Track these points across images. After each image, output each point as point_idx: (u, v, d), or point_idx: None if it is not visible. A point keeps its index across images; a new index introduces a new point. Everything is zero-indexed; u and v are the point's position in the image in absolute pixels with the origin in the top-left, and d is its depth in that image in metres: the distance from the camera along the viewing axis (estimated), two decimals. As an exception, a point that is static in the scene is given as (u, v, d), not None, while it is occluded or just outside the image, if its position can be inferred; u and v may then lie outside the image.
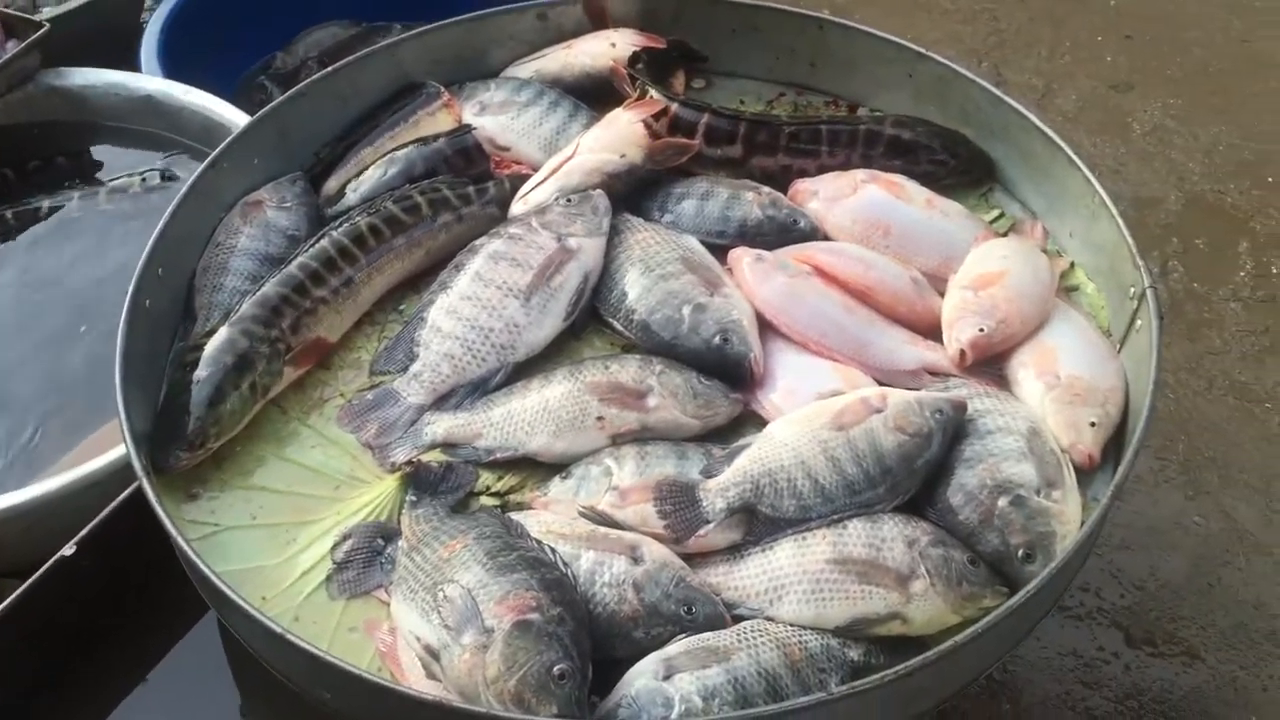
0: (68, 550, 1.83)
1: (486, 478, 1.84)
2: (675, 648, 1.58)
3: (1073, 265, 2.13)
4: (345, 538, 1.75)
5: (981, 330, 1.90)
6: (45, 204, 2.70)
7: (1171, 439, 2.62)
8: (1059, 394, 1.85)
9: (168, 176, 2.73)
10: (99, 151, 2.86)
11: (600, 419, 1.82)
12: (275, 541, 1.78)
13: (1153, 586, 2.37)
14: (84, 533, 1.85)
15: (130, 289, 1.89)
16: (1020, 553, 1.66)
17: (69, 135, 2.85)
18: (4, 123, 2.80)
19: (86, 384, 2.33)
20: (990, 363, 1.93)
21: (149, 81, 2.82)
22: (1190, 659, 2.26)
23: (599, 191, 2.10)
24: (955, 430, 1.77)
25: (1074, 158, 2.07)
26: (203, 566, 1.58)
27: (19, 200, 2.69)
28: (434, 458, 1.86)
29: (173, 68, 2.90)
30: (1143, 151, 3.35)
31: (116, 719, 2.03)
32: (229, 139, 2.15)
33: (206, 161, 2.11)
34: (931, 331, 1.98)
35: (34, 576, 1.81)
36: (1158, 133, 3.41)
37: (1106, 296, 2.05)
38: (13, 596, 1.78)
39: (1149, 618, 2.32)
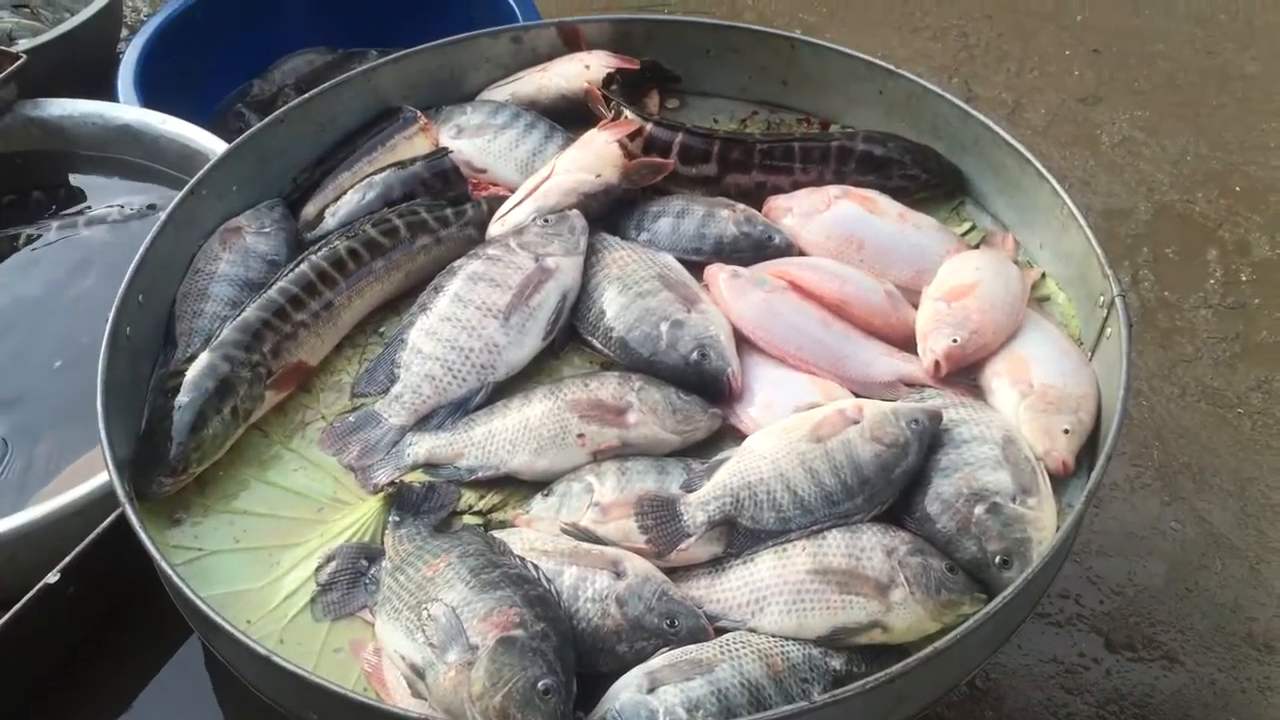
0: (52, 578, 1.84)
1: (469, 497, 1.86)
2: (658, 661, 1.59)
3: (1044, 276, 2.16)
4: (329, 559, 1.76)
5: (955, 341, 1.93)
6: (24, 232, 2.70)
7: (1147, 446, 2.66)
8: (1033, 402, 1.87)
9: (149, 206, 2.74)
10: (77, 181, 2.87)
11: (581, 436, 1.84)
12: (259, 565, 1.79)
13: (1131, 592, 2.39)
14: (68, 559, 1.86)
15: (111, 316, 1.90)
16: (997, 559, 1.68)
17: (46, 166, 2.86)
18: (-21, 154, 2.81)
19: (66, 411, 2.34)
20: (965, 373, 1.96)
21: (126, 111, 2.83)
22: (1170, 663, 2.28)
23: (576, 211, 2.12)
24: (931, 440, 1.79)
25: (1043, 171, 2.10)
26: (187, 591, 1.59)
27: (19, 217, 2.69)
28: (416, 478, 1.87)
29: (149, 97, 2.91)
30: (1112, 163, 3.40)
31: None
32: (207, 166, 2.16)
33: (185, 189, 2.12)
34: (906, 343, 2.01)
35: (18, 604, 1.81)
36: (1126, 144, 3.47)
37: (1077, 306, 2.08)
38: (-3, 625, 1.78)
39: (1128, 623, 2.34)
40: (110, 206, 2.73)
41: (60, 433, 2.31)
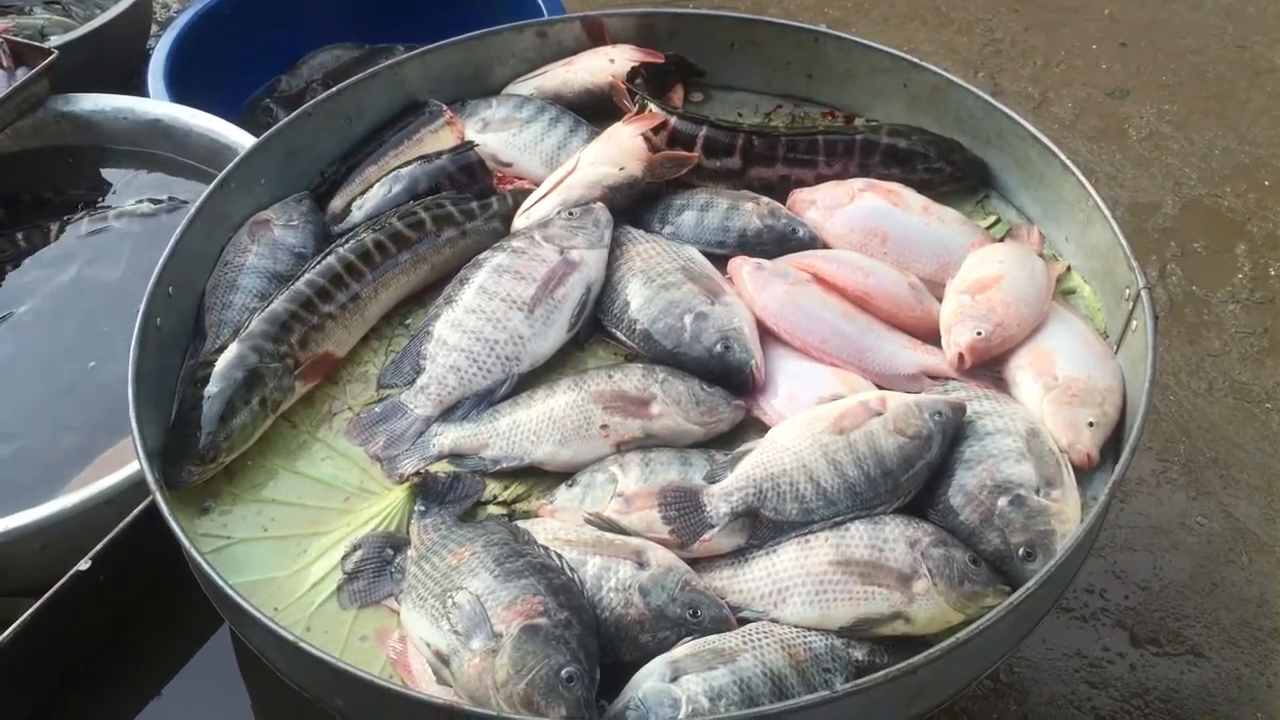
0: (83, 565, 1.87)
1: (493, 487, 1.87)
2: (681, 650, 1.60)
3: (1069, 269, 2.15)
4: (355, 548, 1.78)
5: (979, 334, 1.92)
6: (55, 225, 2.74)
7: (1173, 440, 2.64)
8: (1057, 395, 1.87)
9: (171, 199, 2.77)
10: (107, 175, 2.90)
11: (605, 427, 1.85)
12: (287, 553, 1.81)
13: (1157, 586, 2.38)
14: (99, 547, 1.88)
15: (141, 308, 1.93)
16: (1021, 551, 1.68)
17: (78, 160, 2.89)
18: (14, 149, 2.84)
19: (97, 402, 2.37)
20: (988, 366, 1.96)
21: (156, 106, 2.86)
22: (1195, 658, 2.27)
23: (600, 205, 2.13)
24: (954, 432, 1.79)
25: (1068, 163, 2.10)
26: (217, 579, 1.61)
27: (28, 223, 2.72)
28: (441, 468, 1.88)
29: (179, 92, 2.94)
30: (1139, 157, 3.38)
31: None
32: (236, 160, 2.19)
33: (215, 182, 2.15)
34: (930, 336, 2.01)
35: (50, 591, 1.84)
36: (1154, 138, 3.44)
37: (1102, 299, 2.08)
38: (30, 610, 1.81)
39: (1153, 618, 2.33)
40: (140, 201, 2.76)
41: (92, 424, 2.34)
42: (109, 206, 2.78)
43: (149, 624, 2.09)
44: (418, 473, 1.86)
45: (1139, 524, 2.47)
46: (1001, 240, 2.19)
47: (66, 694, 2.04)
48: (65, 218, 2.73)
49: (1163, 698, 2.21)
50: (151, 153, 2.87)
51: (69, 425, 2.36)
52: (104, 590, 1.92)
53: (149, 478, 1.74)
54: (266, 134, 2.25)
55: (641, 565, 1.67)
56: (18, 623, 1.81)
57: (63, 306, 2.59)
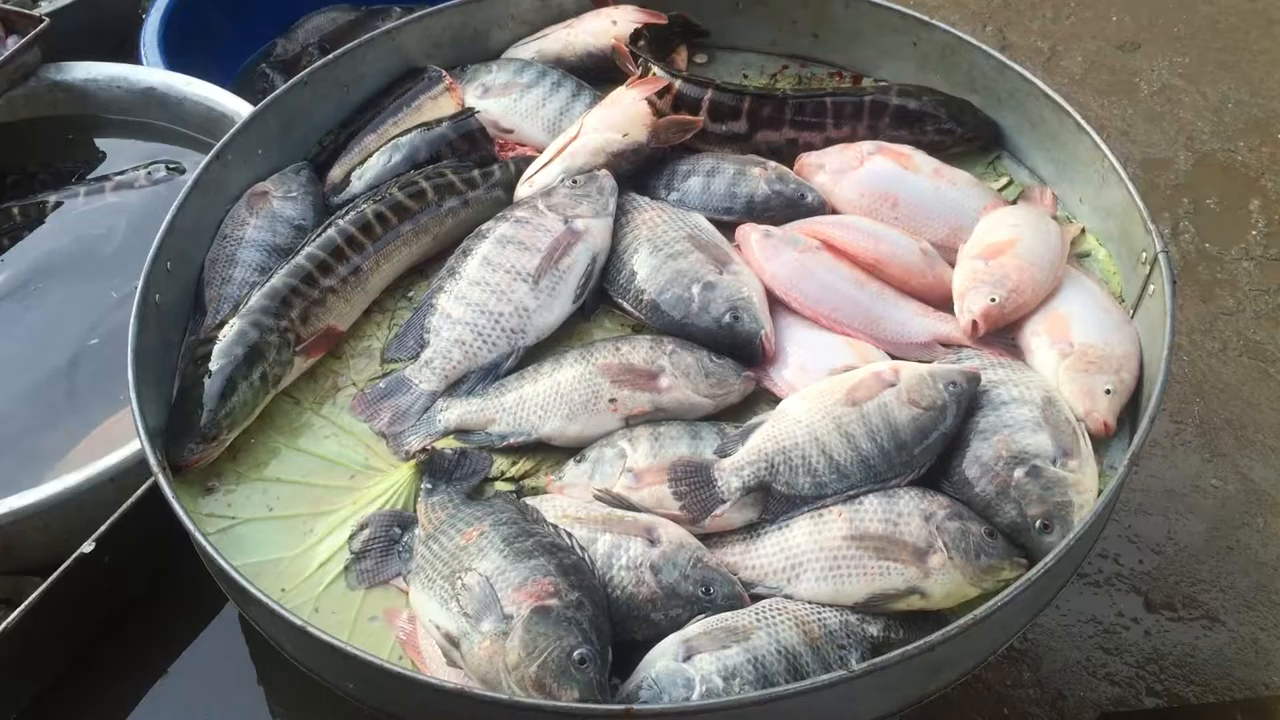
0: (87, 547, 1.85)
1: (501, 463, 1.84)
2: (694, 628, 1.58)
3: (1083, 231, 2.11)
4: (362, 527, 1.76)
5: (993, 300, 1.89)
6: (52, 199, 2.70)
7: (1187, 401, 2.61)
8: (1073, 362, 1.84)
9: (173, 168, 2.72)
10: (103, 144, 2.85)
11: (613, 401, 1.82)
12: (293, 533, 1.79)
13: (1171, 550, 2.36)
14: (103, 529, 1.87)
15: (139, 285, 1.90)
16: (1038, 523, 1.65)
17: (72, 130, 2.84)
18: (5, 119, 2.79)
19: (102, 377, 2.34)
20: (1003, 332, 1.92)
21: (150, 74, 2.80)
22: (1211, 622, 2.26)
23: (604, 172, 2.09)
24: (969, 402, 1.76)
25: (1082, 122, 2.05)
26: (222, 562, 1.59)
27: (25, 195, 2.68)
28: (448, 444, 1.86)
29: (174, 59, 2.89)
30: (1151, 112, 3.32)
31: (142, 709, 2.05)
32: (232, 131, 2.14)
33: (211, 154, 2.11)
34: (943, 303, 1.98)
35: (55, 574, 1.83)
36: (1166, 92, 3.38)
37: (1118, 262, 2.04)
38: (34, 594, 1.80)
39: (1168, 582, 2.31)
40: (136, 170, 2.71)
41: (97, 399, 2.32)
42: (105, 177, 2.73)
43: (157, 602, 2.07)
44: (424, 449, 1.84)
45: (1153, 487, 2.45)
46: (1014, 202, 2.15)
47: (76, 673, 2.03)
48: (61, 190, 2.69)
49: (1178, 663, 2.20)
50: (147, 122, 2.83)
51: (71, 401, 2.33)
52: (109, 571, 1.90)
53: (151, 459, 1.72)
54: (262, 104, 2.20)
55: (653, 542, 1.65)
56: (24, 605, 1.80)
57: (62, 281, 2.56)
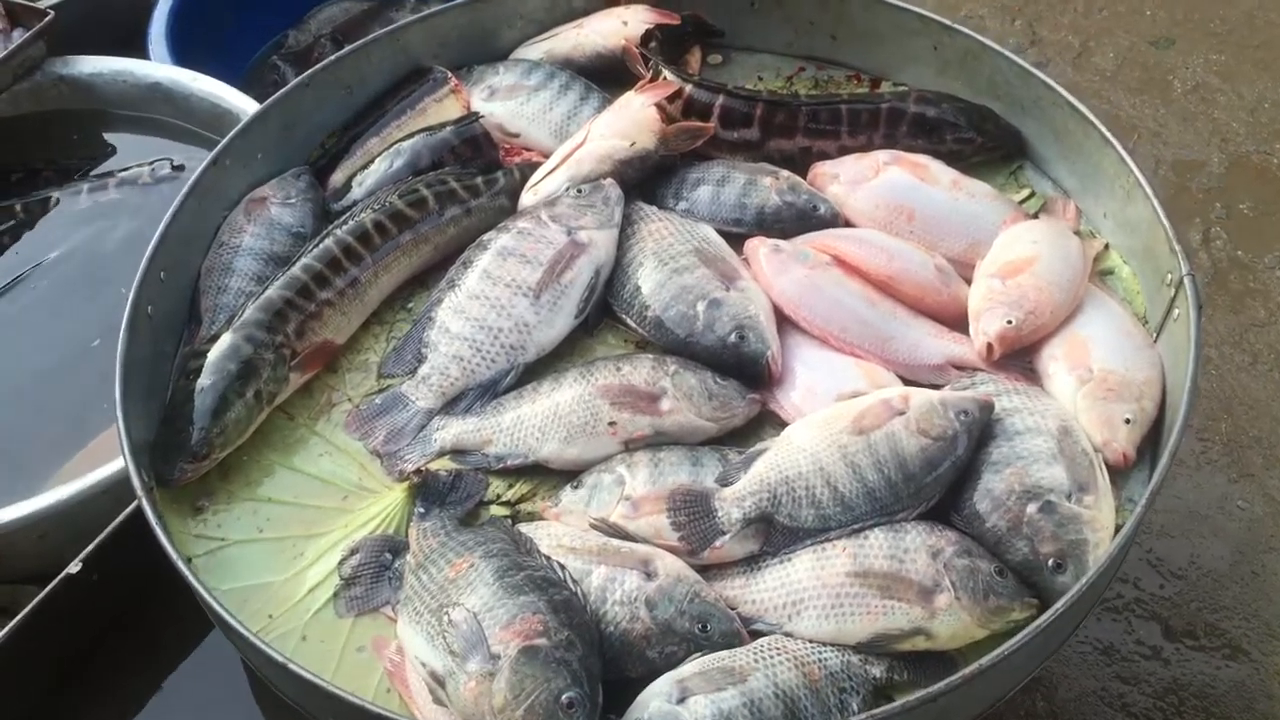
0: (74, 568, 1.81)
1: (497, 485, 1.79)
2: (690, 668, 1.52)
3: (1107, 247, 2.03)
4: (353, 552, 1.71)
5: (1010, 322, 1.81)
6: (55, 195, 2.66)
7: (1214, 418, 2.52)
8: (1092, 389, 1.77)
9: (177, 167, 2.68)
10: (109, 139, 2.81)
11: (612, 424, 1.77)
12: (283, 556, 1.74)
13: (1194, 575, 2.28)
14: (89, 549, 1.83)
15: (130, 297, 1.86)
16: (1050, 562, 1.59)
17: (78, 124, 2.80)
18: (10, 114, 2.76)
19: (99, 380, 2.30)
20: (1019, 355, 1.85)
21: (156, 69, 2.76)
22: (1233, 652, 2.18)
23: (610, 180, 2.03)
24: (981, 431, 1.69)
25: (1107, 135, 1.97)
26: (205, 593, 1.55)
27: (29, 192, 2.65)
28: (443, 465, 1.81)
29: (182, 52, 2.84)
30: (1184, 111, 3.21)
31: (136, 723, 2.03)
32: (230, 135, 2.09)
33: (208, 159, 2.06)
34: (957, 321, 1.91)
35: (39, 596, 1.80)
36: (1200, 91, 3.27)
37: (1142, 281, 1.96)
38: (18, 618, 1.77)
39: (1189, 609, 2.24)
40: (140, 166, 2.67)
41: (94, 402, 2.28)
42: (109, 174, 2.69)
43: (148, 619, 2.03)
44: (419, 470, 1.79)
45: (1176, 508, 2.37)
46: (1035, 215, 2.07)
47: (64, 691, 2.00)
48: (64, 187, 2.65)
49: (1198, 694, 2.13)
50: (153, 117, 2.78)
51: (70, 406, 2.30)
52: (97, 589, 1.86)
53: (136, 480, 1.68)
54: (262, 106, 2.15)
55: (649, 575, 1.60)
56: (9, 628, 1.76)
57: (63, 280, 2.52)
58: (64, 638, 1.92)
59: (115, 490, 2.00)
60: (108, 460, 2.04)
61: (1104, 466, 1.69)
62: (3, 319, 2.47)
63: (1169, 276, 1.82)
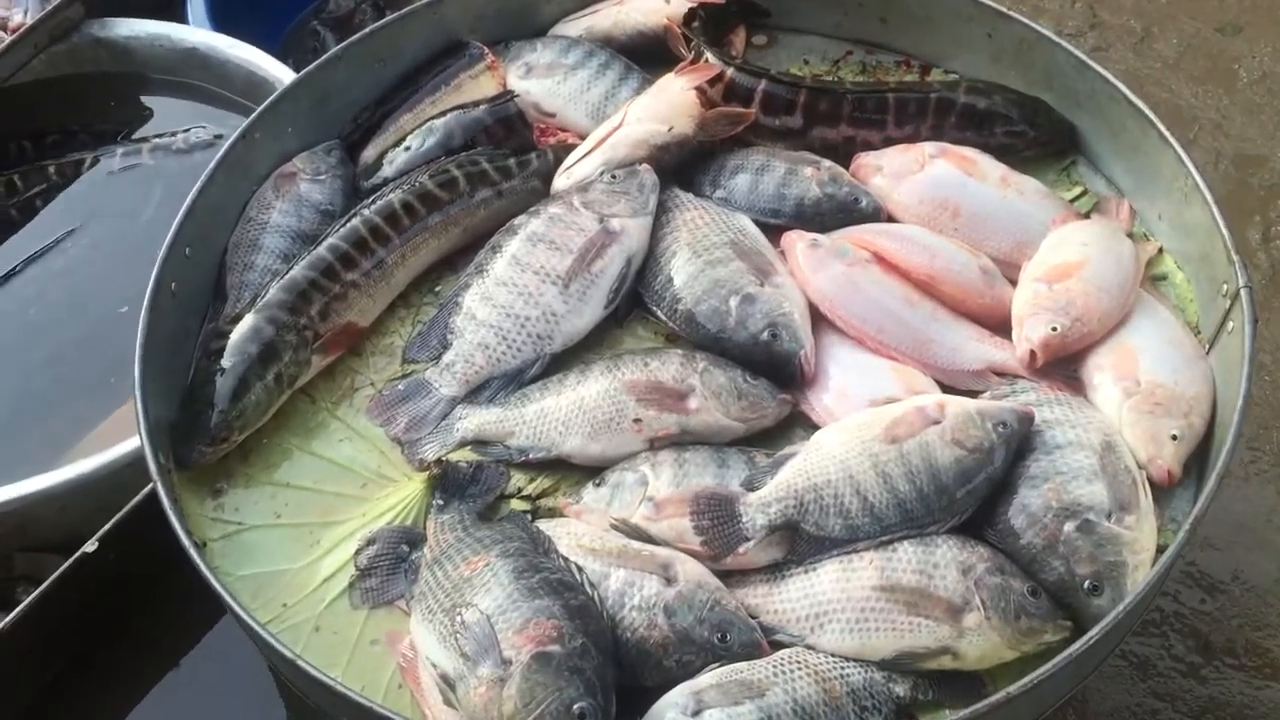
0: (90, 547, 1.80)
1: (518, 479, 1.76)
2: (706, 679, 1.48)
3: (1161, 251, 1.95)
4: (369, 542, 1.69)
5: (1054, 329, 1.75)
6: (89, 157, 2.64)
7: (1266, 427, 2.44)
8: (1138, 402, 1.70)
9: (217, 135, 2.65)
10: (147, 103, 2.78)
11: (637, 421, 1.72)
12: (299, 543, 1.72)
13: (1237, 590, 2.21)
14: (106, 528, 1.82)
15: (153, 274, 1.83)
16: (1086, 584, 1.53)
17: (115, 88, 2.78)
18: (48, 75, 2.74)
19: (119, 344, 2.29)
20: (1063, 363, 1.78)
21: (193, 33, 2.73)
22: (1275, 672, 2.11)
23: (645, 166, 1.97)
24: (1020, 444, 1.63)
25: (1166, 135, 1.88)
26: (216, 583, 1.53)
27: (61, 154, 2.63)
28: (464, 455, 1.77)
29: (222, 14, 2.81)
30: (1249, 103, 3.09)
31: (150, 701, 2.02)
32: (260, 109, 2.05)
33: (237, 133, 2.02)
34: (1000, 325, 1.84)
35: (54, 575, 1.79)
36: (1266, 81, 3.14)
37: (1196, 288, 1.88)
38: (32, 596, 1.77)
39: (1231, 625, 2.17)
40: (174, 134, 2.64)
41: (121, 370, 2.27)
42: (143, 139, 2.66)
43: (167, 593, 2.02)
44: (439, 461, 1.75)
45: (1222, 519, 2.29)
46: (1087, 215, 1.99)
47: (86, 662, 2.00)
48: (97, 151, 2.62)
49: (1236, 715, 2.07)
50: (190, 83, 2.76)
51: (96, 373, 2.29)
52: (114, 568, 1.85)
53: (151, 464, 1.66)
54: (292, 80, 2.11)
55: (669, 581, 1.55)
56: (24, 605, 1.76)
57: (93, 245, 2.51)
58: (79, 617, 1.91)
59: (139, 463, 1.98)
60: (133, 430, 2.02)
61: (1147, 485, 1.62)
62: (34, 282, 2.46)
63: (1225, 287, 1.75)
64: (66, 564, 1.79)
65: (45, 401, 2.28)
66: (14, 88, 2.66)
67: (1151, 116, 1.91)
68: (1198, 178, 1.83)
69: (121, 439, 2.04)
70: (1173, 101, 3.06)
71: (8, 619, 1.76)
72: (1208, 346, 1.79)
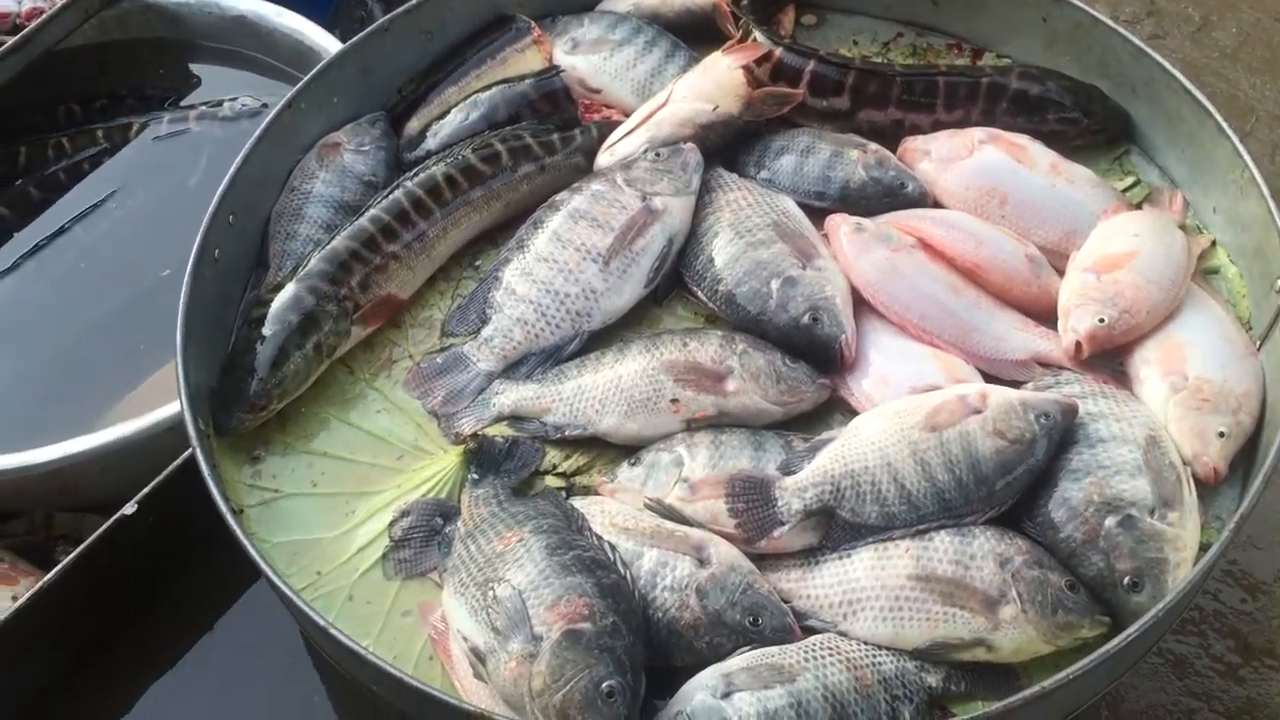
0: (129, 509, 1.81)
1: (554, 455, 1.75)
2: (737, 661, 1.48)
3: (1214, 244, 1.92)
4: (404, 514, 1.69)
5: (1102, 321, 1.72)
6: (137, 123, 2.65)
7: (1313, 424, 2.39)
8: (1185, 397, 1.67)
9: (263, 104, 2.65)
10: (196, 71, 2.79)
11: (675, 402, 1.71)
12: (334, 512, 1.73)
13: (1279, 591, 2.17)
14: (145, 491, 1.83)
15: (197, 242, 1.84)
16: (1126, 580, 1.51)
17: (165, 54, 2.79)
18: (98, 40, 2.75)
19: (163, 308, 2.30)
20: (1110, 356, 1.75)
21: (241, 1, 2.72)
22: (1315, 675, 2.08)
23: (690, 145, 1.96)
24: (1062, 436, 1.61)
25: (1224, 126, 1.84)
26: (252, 549, 1.54)
27: (109, 119, 2.64)
28: (500, 430, 1.77)
29: (275, -20, 2.80)
30: (1309, 95, 3.03)
31: (187, 663, 2.04)
32: (306, 79, 2.05)
33: (282, 102, 2.03)
34: (1046, 315, 1.81)
35: (93, 535, 1.80)
36: (1327, 73, 3.08)
37: (1249, 283, 1.84)
38: (72, 554, 1.77)
39: (1271, 626, 2.13)
40: (221, 102, 2.65)
41: (163, 334, 2.28)
42: (191, 106, 2.67)
43: (201, 561, 2.04)
44: (475, 435, 1.75)
45: (1267, 518, 2.25)
46: (1139, 206, 1.96)
47: (126, 622, 2.02)
48: (145, 116, 2.63)
49: (1274, 717, 2.03)
50: (238, 50, 2.76)
51: (140, 335, 2.30)
52: (153, 531, 1.87)
53: (191, 429, 1.66)
54: (338, 51, 2.11)
55: (702, 562, 1.55)
56: (63, 563, 1.77)
57: (139, 209, 2.51)
58: (118, 579, 1.93)
59: (179, 428, 1.98)
60: (169, 396, 2.04)
61: (1192, 482, 1.60)
62: (79, 246, 2.48)
63: (1278, 282, 1.71)
64: (106, 524, 1.81)
65: (87, 362, 2.30)
66: (64, 51, 2.67)
67: (1209, 107, 1.87)
68: (1254, 170, 1.79)
69: (157, 404, 2.05)
70: (1230, 92, 2.99)
71: (48, 577, 1.77)
72: (1259, 343, 1.76)
